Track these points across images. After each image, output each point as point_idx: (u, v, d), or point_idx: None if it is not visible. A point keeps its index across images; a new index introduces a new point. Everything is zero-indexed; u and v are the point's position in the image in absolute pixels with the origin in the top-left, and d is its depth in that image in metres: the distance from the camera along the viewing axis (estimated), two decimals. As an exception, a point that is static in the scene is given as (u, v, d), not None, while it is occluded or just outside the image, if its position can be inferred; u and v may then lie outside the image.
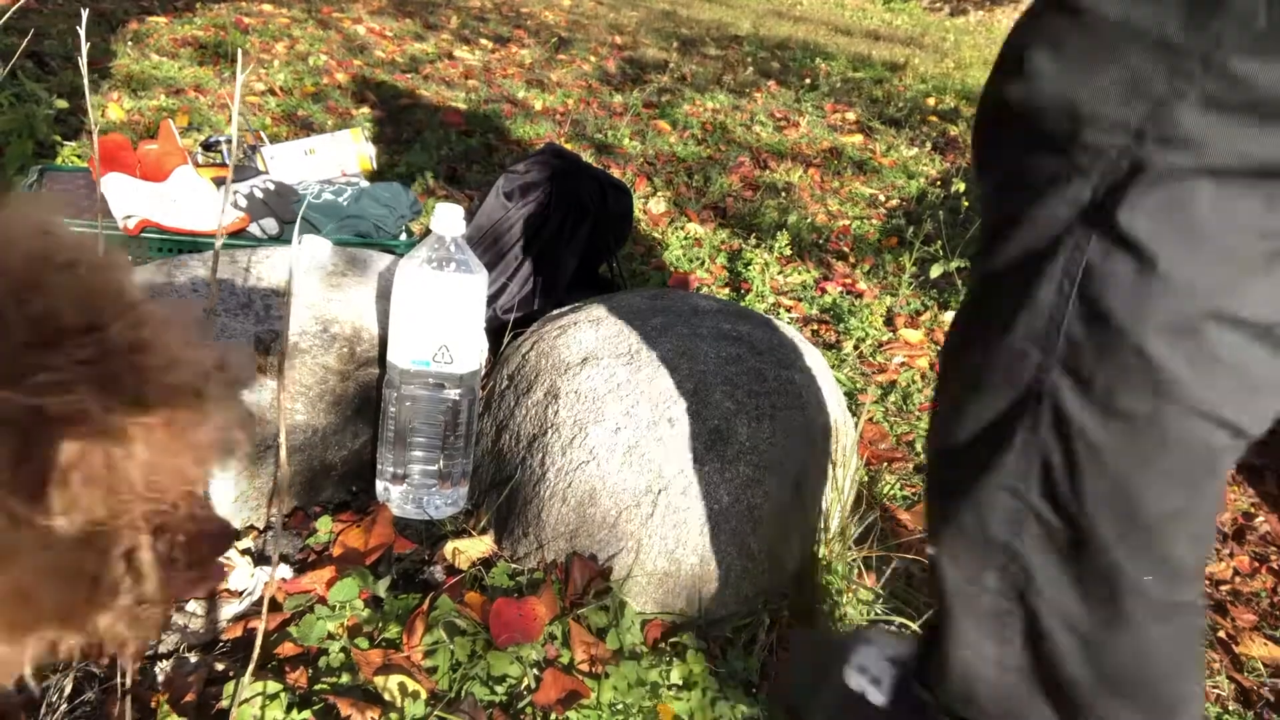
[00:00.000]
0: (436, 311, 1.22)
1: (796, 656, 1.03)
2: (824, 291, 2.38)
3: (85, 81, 0.81)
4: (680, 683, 1.09)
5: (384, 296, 1.39)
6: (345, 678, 1.01)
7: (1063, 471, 0.68)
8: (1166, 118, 0.59)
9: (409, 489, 1.28)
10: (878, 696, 0.87)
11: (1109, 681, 0.72)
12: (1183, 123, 0.58)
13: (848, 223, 2.91)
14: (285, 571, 1.16)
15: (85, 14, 0.82)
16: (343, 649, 1.03)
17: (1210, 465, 0.67)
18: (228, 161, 1.96)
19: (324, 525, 1.24)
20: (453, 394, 1.26)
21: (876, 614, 1.23)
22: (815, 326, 2.23)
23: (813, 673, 0.94)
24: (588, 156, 3.08)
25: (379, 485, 1.30)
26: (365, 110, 3.21)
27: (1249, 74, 0.56)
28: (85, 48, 0.79)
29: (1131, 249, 0.61)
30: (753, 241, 2.61)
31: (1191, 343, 0.62)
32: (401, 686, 1.00)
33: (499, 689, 1.04)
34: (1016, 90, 0.66)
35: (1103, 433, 0.66)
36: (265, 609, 0.86)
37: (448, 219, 1.22)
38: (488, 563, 1.21)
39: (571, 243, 1.72)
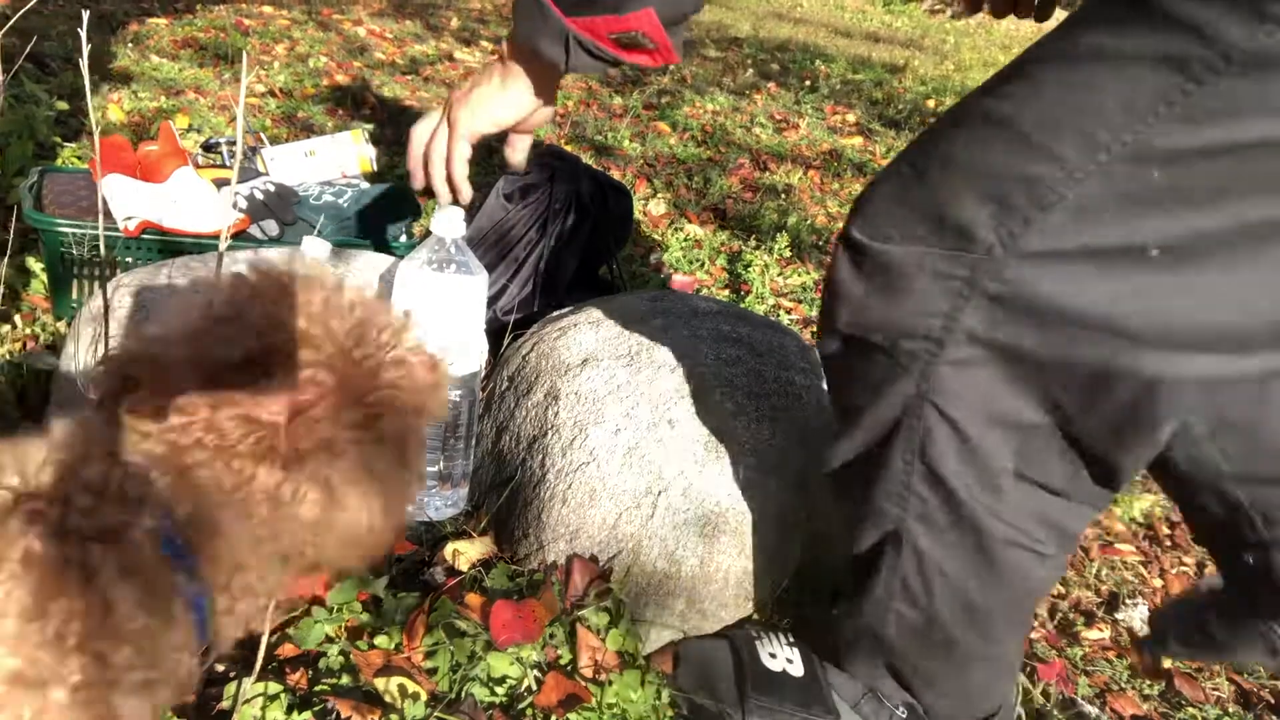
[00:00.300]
0: (437, 313, 1.22)
1: (702, 662, 1.13)
2: (824, 293, 2.38)
3: (86, 82, 0.81)
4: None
5: (384, 298, 1.39)
6: (345, 679, 1.01)
7: (919, 586, 0.91)
8: (956, 325, 0.76)
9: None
10: (798, 670, 1.07)
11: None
12: (968, 326, 0.75)
13: (847, 224, 2.91)
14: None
15: (86, 15, 0.82)
16: (342, 651, 1.03)
17: (1023, 575, 0.87)
18: (228, 163, 1.96)
19: (324, 526, 1.24)
20: (453, 395, 1.26)
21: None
22: (815, 328, 2.23)
23: (730, 670, 1.10)
24: (588, 158, 3.08)
25: None
26: (365, 112, 3.21)
27: (1006, 293, 0.73)
28: (86, 49, 0.79)
29: (951, 425, 0.80)
30: (752, 243, 2.61)
31: (994, 495, 0.82)
32: (401, 688, 1.00)
33: (499, 690, 1.04)
34: (843, 314, 0.84)
35: (946, 560, 0.88)
36: (270, 610, 0.86)
37: (448, 221, 1.22)
38: (488, 564, 1.21)
39: (571, 244, 1.72)
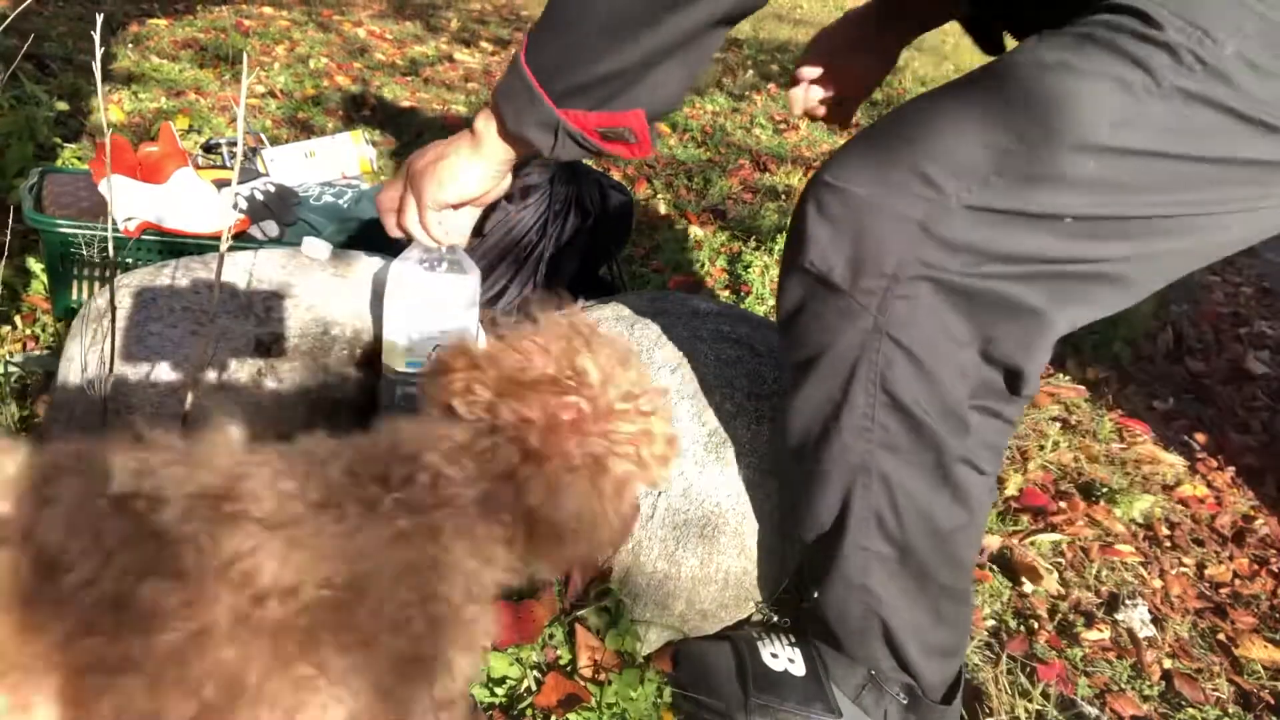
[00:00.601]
0: (430, 312, 1.22)
1: (703, 662, 1.14)
2: (824, 294, 2.38)
3: (99, 83, 0.81)
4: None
5: (382, 299, 1.39)
6: (345, 679, 1.01)
7: (890, 515, 0.97)
8: (908, 263, 0.86)
9: None
10: (799, 669, 1.09)
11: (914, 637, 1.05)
12: (918, 264, 0.86)
13: (847, 225, 2.91)
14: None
15: (100, 19, 0.82)
16: (343, 651, 1.03)
17: (973, 494, 0.97)
18: (228, 164, 1.97)
19: (324, 527, 1.24)
20: None
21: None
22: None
23: (732, 670, 1.11)
24: (587, 159, 3.08)
25: None
26: (366, 113, 3.22)
27: (951, 236, 0.85)
28: (100, 53, 0.79)
29: (907, 353, 0.89)
30: (753, 244, 2.61)
31: (956, 419, 0.92)
32: (401, 688, 1.00)
33: (499, 690, 1.04)
34: (808, 253, 0.91)
35: (910, 481, 0.95)
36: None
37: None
38: (488, 564, 1.21)
39: (571, 245, 1.72)
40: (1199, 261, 0.92)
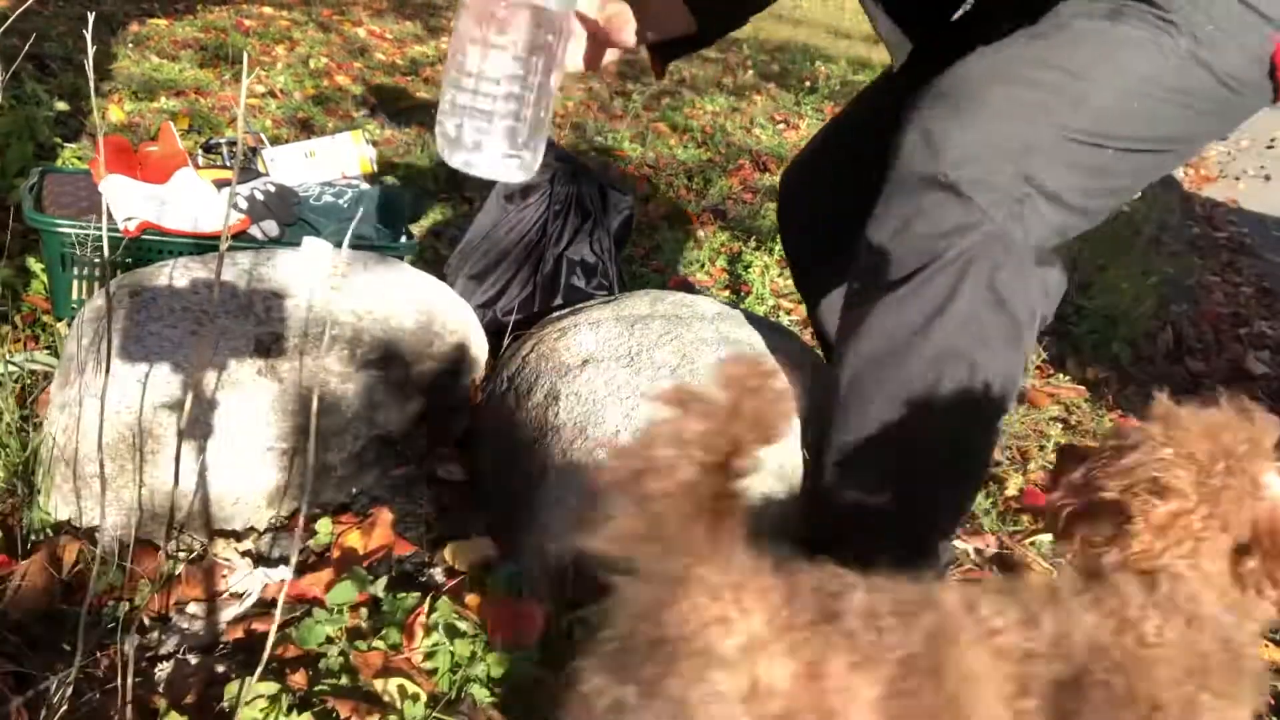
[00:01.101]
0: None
1: None
2: (824, 294, 2.38)
3: (91, 85, 0.81)
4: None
5: (388, 300, 1.39)
6: (345, 679, 1.01)
7: (967, 397, 1.05)
8: (1018, 176, 1.01)
9: (474, 126, 1.00)
10: None
11: None
12: (1024, 179, 1.02)
13: (847, 225, 2.91)
14: (285, 573, 1.16)
15: (91, 18, 0.82)
16: (341, 652, 1.03)
17: (1017, 389, 1.12)
18: (228, 163, 1.97)
19: (324, 528, 1.24)
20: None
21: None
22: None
23: None
24: (588, 159, 3.08)
25: (439, 129, 1.01)
26: (365, 112, 3.22)
27: (1054, 153, 1.03)
28: (91, 51, 0.79)
29: (1018, 257, 1.01)
30: (752, 244, 2.61)
31: (1034, 319, 1.05)
32: (401, 689, 1.00)
33: (499, 690, 1.04)
34: (943, 164, 1.01)
35: (997, 368, 1.05)
36: (280, 608, 0.87)
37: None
38: (488, 565, 1.21)
39: (572, 245, 1.72)
40: (1140, 189, 1.19)
